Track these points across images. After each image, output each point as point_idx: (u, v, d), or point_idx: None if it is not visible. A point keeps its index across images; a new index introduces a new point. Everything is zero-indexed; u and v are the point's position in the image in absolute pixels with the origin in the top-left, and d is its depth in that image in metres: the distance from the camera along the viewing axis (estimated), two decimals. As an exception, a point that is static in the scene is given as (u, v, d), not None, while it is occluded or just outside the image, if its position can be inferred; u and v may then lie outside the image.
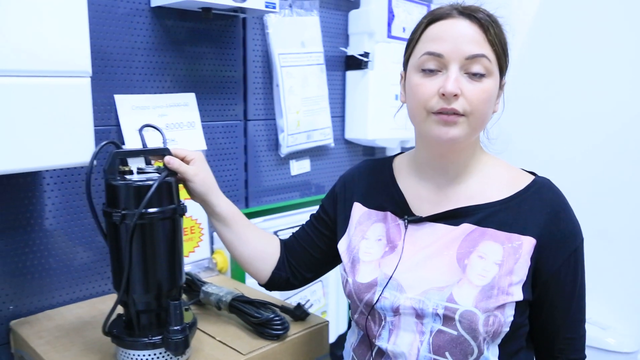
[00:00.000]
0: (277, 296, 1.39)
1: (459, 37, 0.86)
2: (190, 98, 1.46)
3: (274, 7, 1.43)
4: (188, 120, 1.45)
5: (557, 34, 1.98)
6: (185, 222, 1.45)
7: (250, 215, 1.63)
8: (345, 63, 1.92)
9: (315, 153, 1.85)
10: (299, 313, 1.19)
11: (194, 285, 1.28)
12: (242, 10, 1.44)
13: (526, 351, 0.95)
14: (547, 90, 2.01)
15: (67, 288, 1.30)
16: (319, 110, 1.79)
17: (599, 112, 1.89)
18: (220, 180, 1.57)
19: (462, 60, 0.86)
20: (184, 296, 1.30)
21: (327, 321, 1.21)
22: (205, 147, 1.48)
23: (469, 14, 0.88)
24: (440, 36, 0.87)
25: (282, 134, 1.69)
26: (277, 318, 1.11)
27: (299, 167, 1.80)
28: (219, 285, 1.26)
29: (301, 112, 1.72)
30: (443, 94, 0.85)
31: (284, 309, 1.21)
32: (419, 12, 2.04)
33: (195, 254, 1.48)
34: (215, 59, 1.53)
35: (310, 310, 1.23)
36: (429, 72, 0.88)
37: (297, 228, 1.19)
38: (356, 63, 1.88)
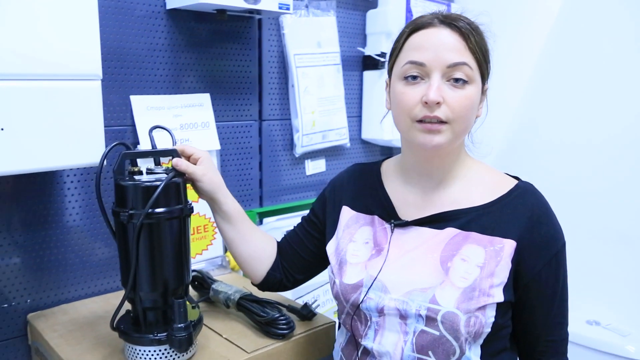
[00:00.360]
0: (288, 295, 1.40)
1: (440, 45, 0.88)
2: (205, 98, 1.49)
3: (288, 9, 1.44)
4: (202, 120, 1.47)
5: (583, 31, 1.94)
6: (199, 220, 1.47)
7: (264, 214, 1.65)
8: (362, 63, 1.92)
9: (331, 153, 1.86)
10: (306, 313, 1.21)
11: (204, 283, 1.30)
12: (258, 11, 1.46)
13: (509, 352, 0.97)
14: (575, 90, 1.98)
15: (82, 283, 1.34)
16: (335, 110, 1.79)
17: (622, 116, 1.85)
18: (235, 179, 1.60)
19: (443, 69, 0.88)
20: (195, 293, 1.33)
21: (334, 321, 1.22)
22: (218, 147, 1.50)
23: (450, 22, 0.90)
24: (422, 45, 0.90)
25: (297, 134, 1.70)
26: (282, 317, 1.12)
27: (314, 167, 1.81)
28: (229, 283, 1.28)
29: (317, 112, 1.73)
30: (426, 102, 0.87)
31: (291, 308, 1.22)
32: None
33: (208, 252, 1.50)
34: (230, 59, 1.55)
35: (322, 310, 1.24)
36: (412, 80, 0.90)
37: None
38: (373, 63, 1.88)
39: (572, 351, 1.84)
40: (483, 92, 0.96)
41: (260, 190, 1.69)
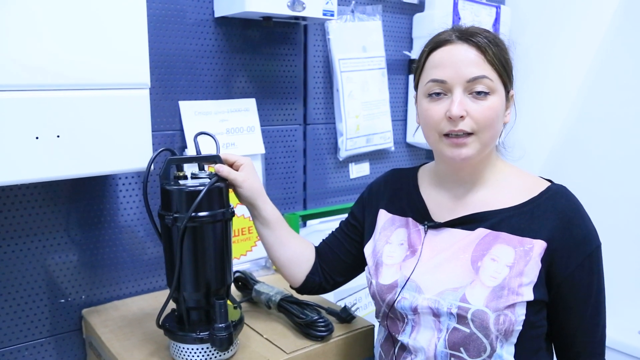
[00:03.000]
0: (330, 298, 1.42)
1: (459, 61, 0.92)
2: (250, 103, 1.52)
3: (332, 15, 1.46)
4: (248, 125, 1.51)
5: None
6: (243, 222, 1.51)
7: (308, 217, 1.67)
8: (408, 67, 1.92)
9: (375, 156, 1.87)
10: (345, 315, 1.22)
11: (247, 284, 1.34)
12: (303, 17, 1.48)
13: (545, 353, 0.99)
14: (626, 95, 1.91)
15: (133, 281, 1.40)
16: (379, 114, 1.80)
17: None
18: (279, 182, 1.63)
19: (464, 83, 0.91)
20: (238, 294, 1.37)
21: (373, 324, 1.23)
22: (263, 151, 1.54)
23: (467, 38, 0.93)
24: (442, 63, 0.93)
25: (341, 137, 1.72)
26: (321, 320, 1.15)
27: (358, 170, 1.82)
28: (271, 284, 1.31)
29: (361, 116, 1.74)
30: (450, 117, 0.91)
31: (330, 311, 1.24)
32: (487, 14, 2.00)
33: (252, 253, 1.54)
34: (276, 65, 1.59)
35: (364, 312, 1.26)
36: (435, 97, 0.94)
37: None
38: (419, 66, 1.87)
39: (623, 363, 1.78)
40: (508, 99, 0.98)
41: (304, 193, 1.71)
